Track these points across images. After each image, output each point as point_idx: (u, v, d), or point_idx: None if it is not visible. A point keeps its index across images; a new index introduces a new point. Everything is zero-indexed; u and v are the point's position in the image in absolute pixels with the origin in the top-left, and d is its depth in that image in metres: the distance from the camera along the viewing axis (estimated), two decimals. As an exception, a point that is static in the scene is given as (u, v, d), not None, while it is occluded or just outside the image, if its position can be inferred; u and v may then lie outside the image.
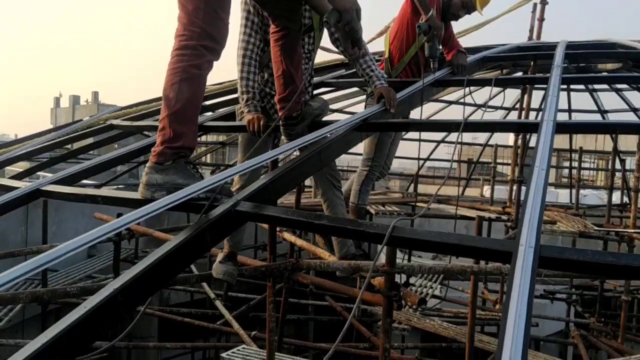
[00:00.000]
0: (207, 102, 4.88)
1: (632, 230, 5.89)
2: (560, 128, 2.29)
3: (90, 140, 4.23)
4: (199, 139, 2.94)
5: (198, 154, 9.94)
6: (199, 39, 1.92)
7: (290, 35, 2.41)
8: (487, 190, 11.10)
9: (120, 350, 6.30)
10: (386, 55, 3.66)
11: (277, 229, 3.99)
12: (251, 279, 5.47)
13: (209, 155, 15.08)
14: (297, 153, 2.48)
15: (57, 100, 33.89)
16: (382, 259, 3.19)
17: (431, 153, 11.11)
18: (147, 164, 1.92)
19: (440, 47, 3.36)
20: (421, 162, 10.38)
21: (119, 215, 5.20)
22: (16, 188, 2.36)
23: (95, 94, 32.02)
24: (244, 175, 2.94)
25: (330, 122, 2.48)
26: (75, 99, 32.04)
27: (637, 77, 5.53)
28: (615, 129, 3.37)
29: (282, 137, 2.99)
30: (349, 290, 3.61)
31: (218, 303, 5.94)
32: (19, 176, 3.92)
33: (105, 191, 2.45)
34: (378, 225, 1.68)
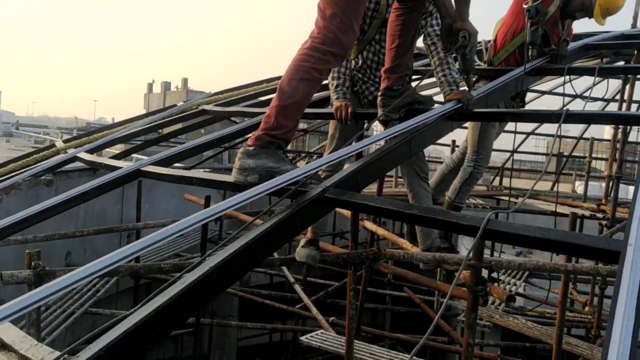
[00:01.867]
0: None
1: None
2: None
3: (179, 126, 4.43)
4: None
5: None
6: (330, 45, 2.00)
7: (414, 13, 2.48)
8: (578, 186, 10.52)
9: (204, 326, 6.58)
10: (491, 43, 3.55)
11: (359, 217, 3.99)
12: (331, 265, 5.52)
13: (290, 143, 15.39)
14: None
15: (149, 87, 35.77)
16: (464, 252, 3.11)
17: (520, 144, 10.63)
18: (241, 149, 1.98)
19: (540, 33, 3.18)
20: (506, 155, 9.94)
21: (207, 197, 5.42)
22: (118, 168, 2.52)
23: (185, 81, 33.49)
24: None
25: (423, 112, 2.43)
26: (166, 85, 33.62)
27: None
28: None
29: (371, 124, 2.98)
30: (431, 283, 3.56)
31: (297, 287, 6.05)
32: (117, 157, 4.18)
33: (199, 173, 2.56)
34: (472, 217, 1.63)
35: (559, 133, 2.37)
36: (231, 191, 2.04)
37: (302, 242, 3.32)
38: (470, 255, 2.88)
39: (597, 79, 3.55)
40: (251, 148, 1.98)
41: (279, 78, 2.19)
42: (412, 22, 2.51)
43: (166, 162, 2.69)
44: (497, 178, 10.18)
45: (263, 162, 1.96)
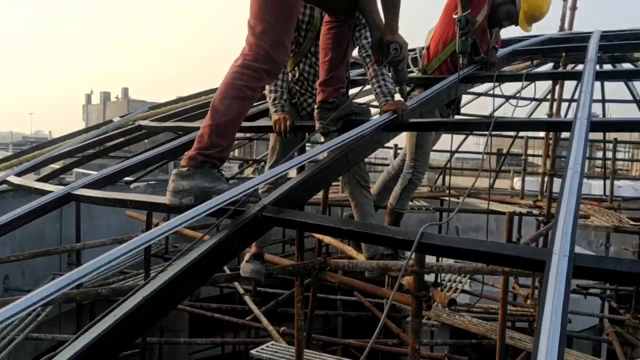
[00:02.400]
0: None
1: (671, 225, 5.70)
2: (595, 126, 2.22)
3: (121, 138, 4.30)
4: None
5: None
6: (262, 62, 1.97)
7: (345, 26, 2.49)
8: (517, 182, 10.93)
9: (153, 345, 6.41)
10: (425, 51, 3.62)
11: (305, 226, 4.00)
12: (280, 275, 5.49)
13: (236, 150, 15.23)
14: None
15: (88, 97, 34.49)
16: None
17: (460, 145, 10.93)
18: (174, 171, 1.94)
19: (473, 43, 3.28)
20: (451, 154, 10.20)
21: (149, 215, 5.25)
22: (49, 192, 2.41)
23: (125, 90, 32.48)
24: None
25: (359, 123, 2.45)
26: (105, 96, 32.55)
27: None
28: None
29: (310, 137, 2.98)
30: (377, 290, 3.60)
31: (247, 298, 5.99)
32: (52, 175, 4.01)
33: (134, 195, 2.49)
34: (406, 232, 1.65)
35: (489, 140, 2.43)
36: (167, 212, 2.00)
37: (246, 257, 3.28)
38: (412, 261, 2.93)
39: (526, 83, 3.69)
40: (185, 169, 1.93)
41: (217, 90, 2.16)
42: (344, 34, 2.52)
43: (103, 182, 2.60)
44: (441, 178, 10.44)
45: (198, 183, 1.92)
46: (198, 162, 1.94)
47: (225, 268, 6.18)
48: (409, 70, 3.50)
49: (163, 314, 1.61)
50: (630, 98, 9.13)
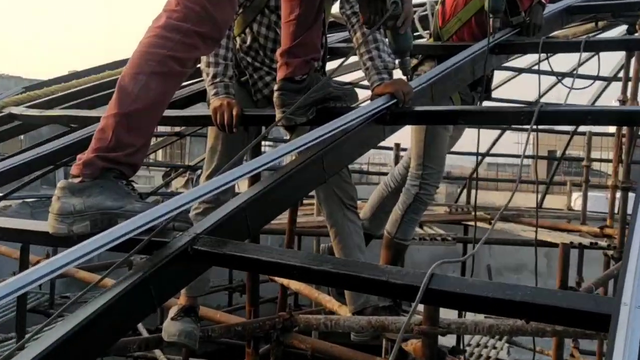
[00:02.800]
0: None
1: None
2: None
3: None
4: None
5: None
6: (196, 22, 1.98)
7: None
8: (577, 199, 11.08)
9: None
10: (439, 6, 3.68)
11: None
12: (223, 339, 5.47)
13: (160, 151, 15.19)
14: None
15: None
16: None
17: (493, 145, 11.09)
18: (60, 183, 1.92)
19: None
20: (477, 159, 10.33)
21: (24, 249, 5.22)
22: None
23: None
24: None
25: (341, 113, 2.47)
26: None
27: None
28: None
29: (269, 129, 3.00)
30: (368, 360, 3.61)
31: (175, 375, 5.96)
32: None
33: (2, 220, 2.44)
34: (409, 273, 1.68)
35: (532, 137, 2.48)
36: (51, 246, 1.98)
37: (172, 312, 3.27)
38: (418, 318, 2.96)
39: (586, 54, 3.78)
40: (77, 180, 1.93)
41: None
42: None
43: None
44: (465, 192, 10.55)
45: (96, 201, 1.92)
46: (97, 170, 1.94)
47: (142, 329, 6.14)
48: (415, 34, 3.55)
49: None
50: None
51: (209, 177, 3.12)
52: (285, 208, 3.83)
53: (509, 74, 9.85)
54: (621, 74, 7.25)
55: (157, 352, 6.27)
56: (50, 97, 4.06)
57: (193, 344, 3.25)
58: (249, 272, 3.76)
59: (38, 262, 5.40)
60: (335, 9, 3.24)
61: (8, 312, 6.60)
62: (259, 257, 1.86)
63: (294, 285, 4.35)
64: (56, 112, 3.80)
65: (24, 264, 5.27)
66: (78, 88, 4.16)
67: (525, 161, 12.71)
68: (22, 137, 6.15)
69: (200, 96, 3.39)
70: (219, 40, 2.25)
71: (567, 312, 1.52)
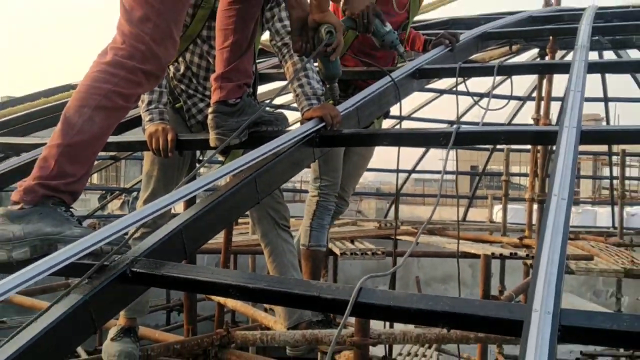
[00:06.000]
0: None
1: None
2: (588, 137, 2.40)
3: None
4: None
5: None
6: (141, 61, 2.01)
7: (251, 1, 2.55)
8: (498, 212, 11.37)
9: None
10: None
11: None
12: (163, 358, 5.43)
13: (95, 174, 14.94)
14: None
15: None
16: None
17: (417, 164, 11.29)
18: (0, 210, 1.90)
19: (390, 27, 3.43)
20: (402, 176, 10.49)
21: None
22: None
23: None
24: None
25: (273, 136, 2.50)
26: None
27: None
28: None
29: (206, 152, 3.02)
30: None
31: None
32: None
33: None
34: (339, 288, 1.72)
35: (451, 154, 2.57)
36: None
37: (111, 333, 3.24)
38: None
39: (500, 77, 3.92)
40: (17, 207, 1.92)
41: (66, 89, 2.15)
42: (251, 12, 2.60)
43: None
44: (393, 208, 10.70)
45: (36, 228, 1.90)
46: (38, 198, 1.93)
47: (81, 351, 6.02)
48: None
49: None
50: (640, 95, 9.82)
51: (146, 201, 3.11)
52: (221, 229, 3.84)
53: (431, 95, 10.05)
54: (535, 94, 7.49)
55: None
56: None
57: (132, 363, 3.22)
58: (185, 291, 3.75)
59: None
60: (265, 36, 3.28)
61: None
62: (195, 277, 1.88)
63: (231, 303, 4.35)
64: (-7, 138, 3.73)
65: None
66: (12, 116, 4.09)
67: (451, 176, 12.99)
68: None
69: (134, 123, 3.37)
70: (161, 77, 2.24)
71: (484, 320, 1.59)
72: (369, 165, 4.55)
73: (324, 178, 3.82)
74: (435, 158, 14.31)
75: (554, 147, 2.26)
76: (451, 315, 1.60)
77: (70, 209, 2.06)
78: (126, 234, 1.98)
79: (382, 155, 5.58)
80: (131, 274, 1.81)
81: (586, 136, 2.36)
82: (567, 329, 1.48)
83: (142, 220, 1.99)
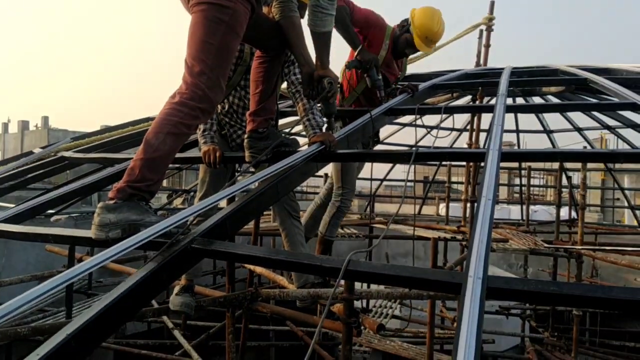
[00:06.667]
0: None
1: (580, 247, 6.12)
2: (506, 157, 2.40)
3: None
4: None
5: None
6: (198, 101, 2.01)
7: (275, 61, 2.56)
8: (442, 208, 11.37)
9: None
10: (341, 86, 3.77)
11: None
12: (211, 307, 5.40)
13: (165, 180, 14.93)
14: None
15: (5, 126, 32.65)
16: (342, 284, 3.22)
17: (387, 174, 11.28)
18: (99, 204, 1.90)
19: (380, 76, 3.47)
20: (376, 183, 10.49)
21: (71, 249, 5.04)
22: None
23: (45, 119, 31.00)
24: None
25: (288, 154, 2.50)
26: (24, 124, 30.86)
27: (588, 105, 5.79)
28: (556, 157, 3.52)
29: (243, 165, 3.02)
30: (308, 318, 3.62)
31: (176, 333, 5.81)
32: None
33: (56, 229, 2.39)
34: (334, 259, 1.72)
35: (412, 168, 2.56)
36: (94, 247, 1.95)
37: (176, 290, 3.23)
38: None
39: (445, 115, 3.91)
40: (112, 202, 1.91)
41: (145, 120, 2.16)
42: (274, 69, 2.60)
43: (22, 216, 2.50)
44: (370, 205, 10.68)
45: (125, 216, 1.90)
46: (126, 195, 1.93)
47: (153, 302, 6.01)
48: None
49: (88, 352, 1.57)
50: (542, 129, 9.82)
51: (200, 199, 3.11)
52: (253, 218, 3.83)
53: (398, 127, 10.03)
54: (469, 127, 7.52)
55: (165, 318, 6.13)
56: (89, 145, 3.98)
57: (190, 311, 3.21)
58: (229, 261, 3.73)
59: (81, 258, 5.25)
60: (283, 85, 3.28)
61: (59, 293, 6.37)
62: (236, 251, 1.88)
63: (258, 269, 4.34)
64: (94, 155, 3.73)
65: (71, 260, 5.12)
66: (109, 139, 4.10)
67: (410, 183, 12.93)
68: (67, 172, 5.98)
69: (193, 144, 3.37)
70: (213, 113, 2.25)
71: (434, 282, 1.59)
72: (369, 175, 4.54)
73: (345, 186, 3.77)
74: (400, 171, 14.35)
75: (483, 164, 2.26)
76: (411, 279, 1.60)
77: (149, 204, 2.05)
78: (187, 221, 1.98)
79: (365, 169, 5.59)
80: (191, 249, 1.80)
81: (505, 156, 2.36)
82: (492, 290, 1.48)
83: (198, 212, 1.99)
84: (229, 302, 3.55)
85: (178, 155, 3.25)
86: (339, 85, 2.59)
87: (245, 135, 2.65)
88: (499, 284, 1.51)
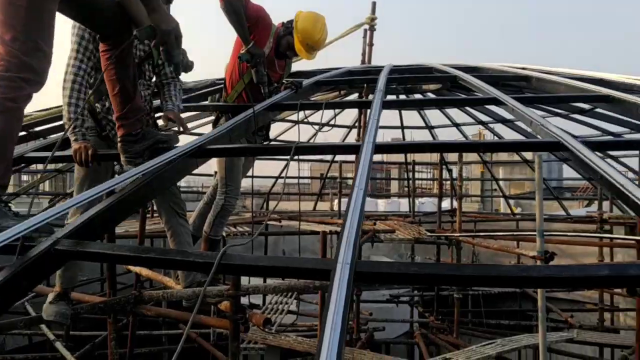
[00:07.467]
0: (38, 128, 4.49)
1: (458, 234, 6.54)
2: (379, 149, 2.49)
3: None
4: (32, 166, 2.68)
5: (31, 183, 9.07)
6: (17, 70, 1.81)
7: (124, 51, 2.30)
8: (335, 203, 11.65)
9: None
10: (225, 83, 3.73)
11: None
12: (92, 315, 5.12)
13: (47, 183, 13.85)
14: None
15: None
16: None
17: (282, 171, 11.30)
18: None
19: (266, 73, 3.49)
20: (272, 180, 10.48)
21: None
22: None
23: None
24: (81, 208, 2.71)
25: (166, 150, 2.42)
26: None
27: (458, 100, 6.18)
28: (424, 148, 3.66)
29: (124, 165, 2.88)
30: (194, 318, 3.53)
31: (59, 345, 5.42)
32: None
33: None
34: (207, 254, 1.69)
35: (308, 169, 2.59)
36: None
37: (49, 298, 3.02)
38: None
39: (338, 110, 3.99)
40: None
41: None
42: (125, 61, 2.37)
43: None
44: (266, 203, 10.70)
45: (-23, 220, 1.74)
46: None
47: (30, 310, 5.61)
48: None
49: None
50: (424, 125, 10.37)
51: None
52: (126, 217, 3.65)
53: (289, 124, 10.10)
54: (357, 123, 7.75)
55: (46, 330, 5.71)
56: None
57: (65, 320, 3.01)
58: (98, 262, 3.54)
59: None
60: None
61: None
62: (103, 251, 1.80)
63: (144, 272, 4.16)
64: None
65: None
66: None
67: (307, 180, 13.08)
68: None
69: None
70: (42, 82, 1.95)
71: (306, 270, 1.62)
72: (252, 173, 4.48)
73: (229, 184, 3.69)
74: (296, 169, 14.45)
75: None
76: (285, 269, 1.62)
77: (8, 205, 1.89)
78: (49, 223, 1.84)
79: (262, 167, 5.60)
80: (54, 252, 1.69)
81: (378, 148, 2.46)
82: (360, 274, 1.53)
83: (60, 213, 1.87)
84: (111, 307, 3.38)
85: (46, 153, 3.04)
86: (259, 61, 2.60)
87: (118, 139, 2.50)
88: (367, 268, 1.56)
